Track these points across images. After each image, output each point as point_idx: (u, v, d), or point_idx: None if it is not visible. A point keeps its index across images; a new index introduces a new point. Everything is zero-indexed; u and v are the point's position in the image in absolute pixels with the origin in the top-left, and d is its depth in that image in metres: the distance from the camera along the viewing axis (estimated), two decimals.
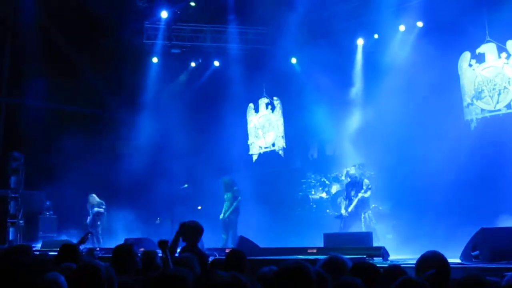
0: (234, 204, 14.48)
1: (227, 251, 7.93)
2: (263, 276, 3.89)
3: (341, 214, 12.69)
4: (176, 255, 6.51)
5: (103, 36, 17.11)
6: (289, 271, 3.33)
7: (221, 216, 14.54)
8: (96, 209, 15.95)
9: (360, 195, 12.39)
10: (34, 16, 16.71)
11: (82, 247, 7.97)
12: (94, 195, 16.21)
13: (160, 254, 5.98)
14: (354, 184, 12.71)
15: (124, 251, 5.63)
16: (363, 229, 12.14)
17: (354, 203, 12.45)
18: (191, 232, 7.40)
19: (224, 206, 14.63)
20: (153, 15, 17.72)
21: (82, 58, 17.95)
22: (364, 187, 12.42)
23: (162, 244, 6.15)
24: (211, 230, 14.58)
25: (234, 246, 12.24)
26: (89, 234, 8.39)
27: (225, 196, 14.71)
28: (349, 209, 12.50)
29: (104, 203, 16.28)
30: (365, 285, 3.51)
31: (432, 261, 4.04)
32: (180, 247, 7.22)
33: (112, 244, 11.76)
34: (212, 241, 13.37)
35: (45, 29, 17.22)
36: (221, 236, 14.41)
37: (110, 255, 5.44)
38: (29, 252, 5.63)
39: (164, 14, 17.43)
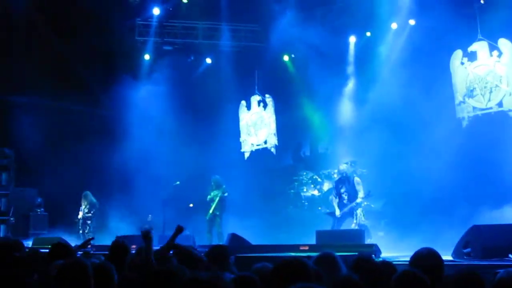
0: (220, 196, 14.40)
1: None
2: (258, 271, 3.87)
3: (334, 212, 12.61)
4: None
5: (95, 32, 16.99)
6: (288, 265, 3.32)
7: (208, 215, 14.53)
8: (86, 213, 15.92)
9: (359, 200, 12.22)
10: (24, 11, 16.60)
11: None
12: (89, 193, 16.15)
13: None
14: (344, 181, 12.62)
15: (121, 248, 5.67)
16: (355, 227, 12.13)
17: (351, 205, 12.29)
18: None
19: (212, 205, 14.60)
20: (145, 12, 17.68)
21: (74, 55, 17.80)
22: (363, 192, 12.23)
23: (147, 234, 5.84)
24: (202, 228, 14.71)
25: (221, 243, 12.17)
26: (91, 240, 8.16)
27: (213, 194, 14.65)
28: (344, 210, 12.38)
29: (97, 204, 16.21)
30: (364, 280, 3.50)
31: (426, 258, 4.03)
32: None
33: (103, 241, 11.76)
34: (202, 239, 13.43)
35: (36, 25, 17.08)
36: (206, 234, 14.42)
37: (104, 252, 5.44)
38: (21, 248, 5.58)
39: (156, 11, 17.42)
